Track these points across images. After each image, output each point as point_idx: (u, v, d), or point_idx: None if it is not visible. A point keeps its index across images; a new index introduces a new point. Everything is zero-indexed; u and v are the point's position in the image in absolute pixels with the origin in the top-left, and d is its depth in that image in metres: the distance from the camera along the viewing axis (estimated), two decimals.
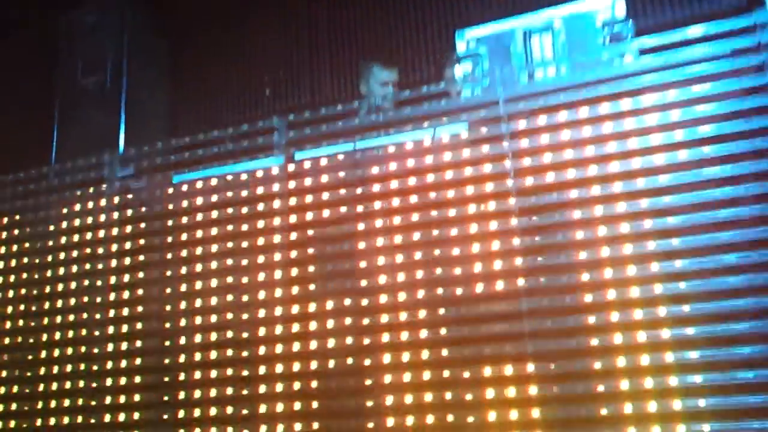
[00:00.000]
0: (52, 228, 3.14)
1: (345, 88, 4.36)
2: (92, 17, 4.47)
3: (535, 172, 2.44)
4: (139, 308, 2.87)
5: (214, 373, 2.66)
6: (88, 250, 3.03)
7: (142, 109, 4.32)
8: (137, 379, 2.77)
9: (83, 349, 2.90)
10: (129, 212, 3.01)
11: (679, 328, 2.13)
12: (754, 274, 2.10)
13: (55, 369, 2.92)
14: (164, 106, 4.51)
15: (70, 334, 2.94)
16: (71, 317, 2.97)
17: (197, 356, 2.70)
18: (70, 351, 2.91)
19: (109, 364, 2.82)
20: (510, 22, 2.97)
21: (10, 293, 3.11)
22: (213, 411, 2.60)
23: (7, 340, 3.06)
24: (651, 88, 2.35)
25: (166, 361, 2.74)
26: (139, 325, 2.85)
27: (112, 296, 2.91)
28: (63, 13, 4.51)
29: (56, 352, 2.94)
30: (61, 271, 3.05)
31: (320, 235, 2.66)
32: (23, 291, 3.09)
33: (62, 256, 3.07)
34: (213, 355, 2.69)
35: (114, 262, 2.96)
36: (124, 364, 2.81)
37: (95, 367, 2.84)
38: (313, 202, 2.72)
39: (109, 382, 2.80)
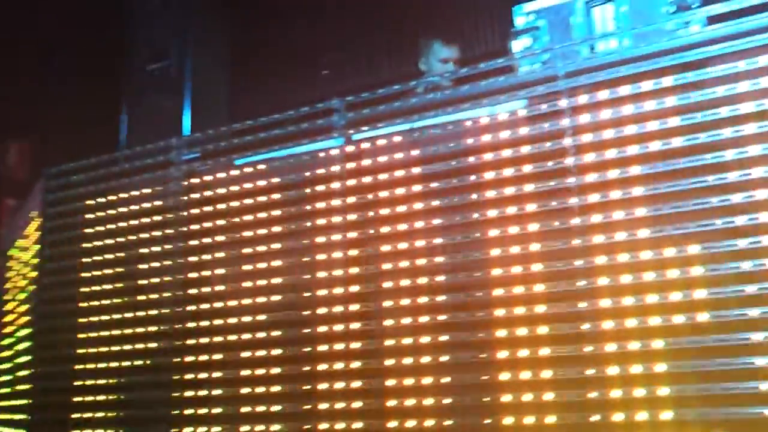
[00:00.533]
0: (124, 210, 3.28)
1: (402, 66, 4.34)
2: (156, 3, 4.59)
3: (597, 149, 2.39)
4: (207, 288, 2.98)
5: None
6: (158, 233, 3.15)
7: (206, 93, 4.43)
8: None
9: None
10: (195, 195, 3.11)
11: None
12: None
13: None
14: (226, 90, 4.61)
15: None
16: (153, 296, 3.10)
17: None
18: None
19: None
20: None
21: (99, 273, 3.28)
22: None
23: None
24: (718, 58, 2.25)
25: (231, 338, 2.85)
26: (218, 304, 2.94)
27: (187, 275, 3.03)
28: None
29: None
30: (141, 250, 3.17)
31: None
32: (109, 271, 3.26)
33: (138, 236, 3.20)
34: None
35: (181, 244, 3.08)
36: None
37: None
38: (372, 183, 2.74)
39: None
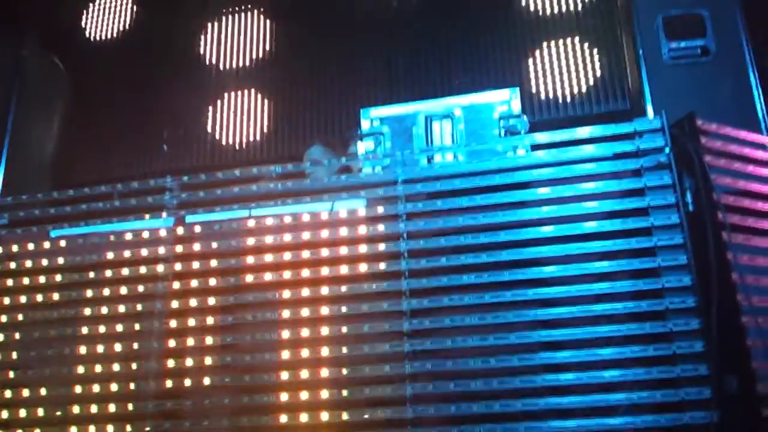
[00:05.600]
0: None
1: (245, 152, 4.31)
2: None
3: (429, 254, 2.46)
4: None
5: None
6: None
7: (27, 154, 4.09)
8: None
9: None
10: None
11: None
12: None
13: None
14: (51, 153, 4.28)
15: None
16: None
17: None
18: None
19: None
20: (414, 106, 3.05)
21: None
22: None
23: None
24: (541, 182, 2.46)
25: None
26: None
27: None
28: None
29: None
30: None
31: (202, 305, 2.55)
32: None
33: None
34: None
35: None
36: None
37: None
38: (199, 269, 2.61)
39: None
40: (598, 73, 4.08)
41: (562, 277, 2.33)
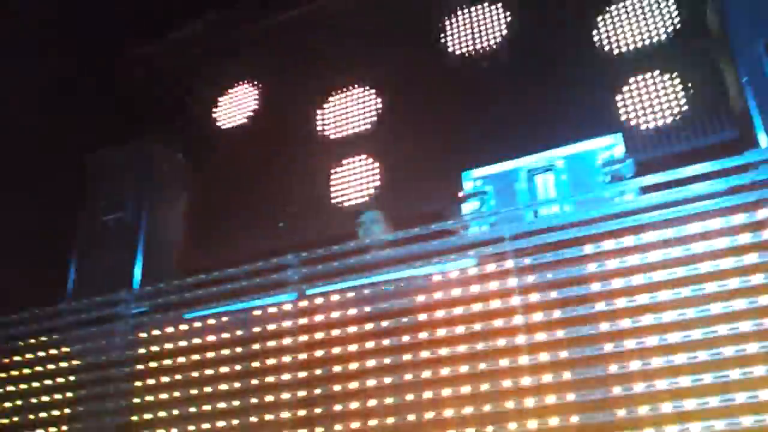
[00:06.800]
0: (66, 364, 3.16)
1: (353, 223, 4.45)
2: (119, 157, 4.68)
3: (544, 308, 2.45)
4: None
5: None
6: (98, 389, 3.02)
7: (158, 245, 4.42)
8: None
9: None
10: (141, 350, 3.03)
11: None
12: None
13: None
14: (179, 242, 4.62)
15: None
16: None
17: None
18: None
19: None
20: (514, 162, 3.09)
21: None
22: None
23: None
24: (652, 225, 2.41)
25: None
26: None
27: None
28: (91, 152, 4.73)
29: None
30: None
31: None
32: None
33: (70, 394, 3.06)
34: None
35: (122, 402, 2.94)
36: None
37: None
38: (324, 339, 2.73)
39: None
40: (700, 104, 3.94)
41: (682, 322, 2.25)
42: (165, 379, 2.92)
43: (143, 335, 3.06)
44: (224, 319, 2.93)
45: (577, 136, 3.08)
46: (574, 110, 3.72)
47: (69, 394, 3.08)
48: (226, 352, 2.86)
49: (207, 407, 2.79)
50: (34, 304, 3.40)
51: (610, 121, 3.80)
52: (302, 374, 2.69)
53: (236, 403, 2.74)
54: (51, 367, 3.17)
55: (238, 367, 2.80)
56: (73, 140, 4.81)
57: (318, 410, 2.60)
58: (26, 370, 3.23)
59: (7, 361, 3.30)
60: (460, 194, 3.18)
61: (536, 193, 2.96)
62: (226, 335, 2.91)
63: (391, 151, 4.50)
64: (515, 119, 3.97)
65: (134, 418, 2.91)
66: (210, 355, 2.88)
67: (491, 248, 2.63)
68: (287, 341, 2.77)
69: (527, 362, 2.39)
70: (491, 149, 3.93)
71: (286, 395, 2.68)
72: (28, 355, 3.25)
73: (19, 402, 3.17)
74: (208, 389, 2.82)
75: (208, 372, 2.85)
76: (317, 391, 2.63)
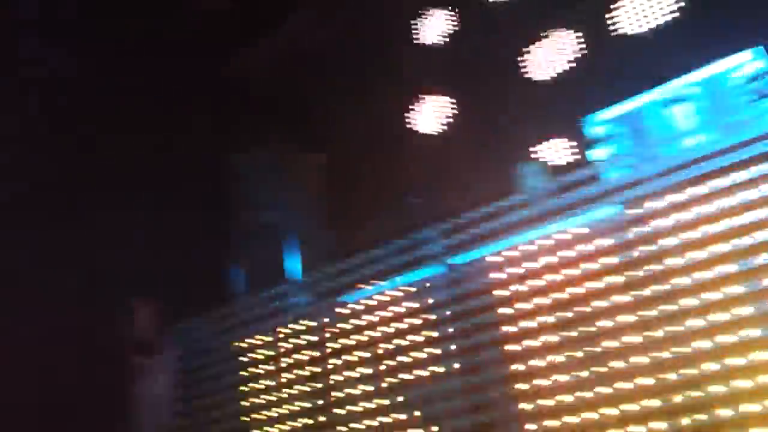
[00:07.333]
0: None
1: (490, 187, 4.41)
2: (265, 160, 4.97)
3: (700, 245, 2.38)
4: None
5: None
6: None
7: (311, 239, 4.64)
8: None
9: None
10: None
11: None
12: None
13: None
14: (328, 233, 4.82)
15: None
16: None
17: None
18: None
19: None
20: (644, 97, 2.95)
21: None
22: None
23: None
24: None
25: None
26: None
27: None
28: (238, 158, 5.03)
29: None
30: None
31: None
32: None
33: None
34: None
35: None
36: None
37: None
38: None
39: None
40: None
41: None
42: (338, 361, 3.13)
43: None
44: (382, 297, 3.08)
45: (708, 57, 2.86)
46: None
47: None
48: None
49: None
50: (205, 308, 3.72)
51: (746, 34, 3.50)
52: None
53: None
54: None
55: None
56: (211, 141, 5.10)
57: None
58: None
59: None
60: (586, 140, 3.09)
61: (672, 126, 2.81)
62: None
63: None
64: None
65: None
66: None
67: (632, 192, 2.57)
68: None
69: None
70: (618, 88, 3.75)
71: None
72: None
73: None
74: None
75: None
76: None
